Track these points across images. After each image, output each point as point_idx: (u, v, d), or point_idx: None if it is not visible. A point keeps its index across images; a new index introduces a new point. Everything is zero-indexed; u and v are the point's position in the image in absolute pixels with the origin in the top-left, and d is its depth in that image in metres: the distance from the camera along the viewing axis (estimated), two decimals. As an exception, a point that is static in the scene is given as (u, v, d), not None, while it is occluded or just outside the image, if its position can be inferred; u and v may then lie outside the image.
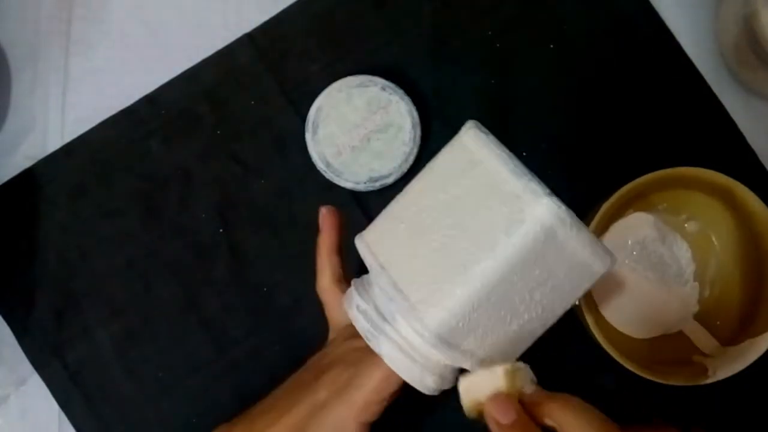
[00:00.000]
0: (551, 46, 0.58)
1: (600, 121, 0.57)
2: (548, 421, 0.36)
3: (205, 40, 0.58)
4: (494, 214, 0.35)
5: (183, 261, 0.57)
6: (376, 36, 0.58)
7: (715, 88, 0.57)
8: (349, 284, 0.43)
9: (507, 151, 0.37)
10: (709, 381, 0.49)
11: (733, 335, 0.52)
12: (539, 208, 0.35)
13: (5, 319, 0.56)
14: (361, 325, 0.40)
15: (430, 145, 0.56)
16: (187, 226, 0.57)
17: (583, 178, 0.56)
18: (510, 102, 0.57)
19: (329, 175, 0.55)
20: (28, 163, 0.57)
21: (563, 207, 0.35)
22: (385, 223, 0.40)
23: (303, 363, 0.46)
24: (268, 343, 0.56)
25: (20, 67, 0.59)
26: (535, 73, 0.58)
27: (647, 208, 0.54)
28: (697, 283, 0.55)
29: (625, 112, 0.57)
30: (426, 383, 0.39)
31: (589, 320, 0.48)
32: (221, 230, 0.57)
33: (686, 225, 0.55)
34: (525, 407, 0.37)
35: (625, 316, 0.54)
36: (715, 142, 0.56)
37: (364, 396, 0.40)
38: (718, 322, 0.53)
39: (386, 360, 0.39)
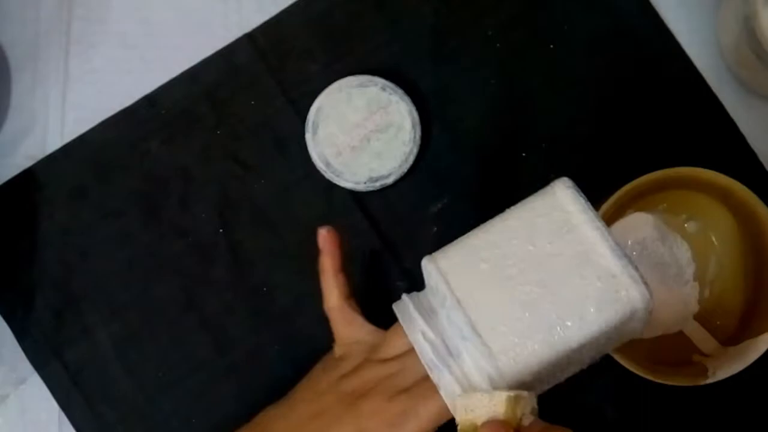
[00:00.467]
0: (551, 46, 0.58)
1: (600, 121, 0.57)
2: None
3: (205, 40, 0.58)
4: (587, 286, 0.37)
5: (183, 261, 0.57)
6: (376, 36, 0.58)
7: (715, 88, 0.57)
8: (354, 299, 0.44)
9: (602, 221, 0.38)
10: (709, 381, 0.49)
11: (733, 335, 0.52)
12: (636, 295, 0.37)
13: (5, 319, 0.56)
14: (428, 355, 0.40)
15: (430, 145, 0.56)
16: (187, 226, 0.57)
17: (583, 178, 0.56)
18: (510, 102, 0.58)
19: (329, 175, 0.55)
20: (28, 163, 0.57)
21: (651, 295, 0.37)
22: (463, 255, 0.40)
23: (302, 364, 0.46)
24: (268, 343, 0.56)
25: (20, 67, 0.59)
26: (535, 73, 0.58)
27: (647, 208, 0.54)
28: (697, 283, 0.55)
29: (625, 112, 0.57)
30: None
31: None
32: (221, 230, 0.57)
33: (686, 225, 0.55)
34: None
35: (625, 316, 0.54)
36: (715, 142, 0.56)
37: (421, 426, 0.40)
38: (718, 322, 0.53)
39: (443, 392, 0.39)
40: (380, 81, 0.55)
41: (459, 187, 0.57)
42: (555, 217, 0.39)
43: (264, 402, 0.46)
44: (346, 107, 0.55)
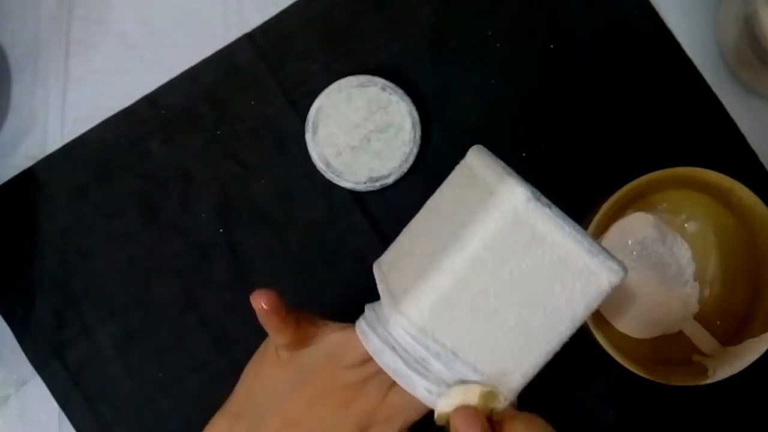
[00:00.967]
0: (551, 46, 0.58)
1: (600, 121, 0.57)
2: None
3: (205, 40, 0.58)
4: (571, 291, 0.37)
5: (183, 261, 0.57)
6: (376, 36, 0.58)
7: (715, 88, 0.57)
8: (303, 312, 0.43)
9: (563, 215, 0.36)
10: (709, 381, 0.49)
11: (733, 335, 0.52)
12: (615, 280, 0.37)
13: (5, 319, 0.56)
14: (393, 366, 0.38)
15: (430, 145, 0.56)
16: (187, 226, 0.57)
17: (583, 178, 0.56)
18: (510, 102, 0.58)
19: (329, 175, 0.55)
20: (28, 163, 0.57)
21: (626, 269, 0.37)
22: (437, 303, 0.37)
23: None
24: (268, 343, 0.56)
25: (20, 67, 0.59)
26: (536, 73, 0.58)
27: (647, 208, 0.54)
28: (697, 283, 0.55)
29: (625, 112, 0.57)
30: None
31: (589, 321, 0.48)
32: (221, 230, 0.57)
33: (686, 225, 0.55)
34: (492, 424, 0.37)
35: (625, 316, 0.54)
36: (715, 142, 0.56)
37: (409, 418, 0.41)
38: (718, 322, 0.53)
39: (420, 396, 0.38)
40: (380, 81, 0.55)
41: (459, 187, 0.57)
42: (521, 234, 0.36)
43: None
44: (346, 107, 0.55)
